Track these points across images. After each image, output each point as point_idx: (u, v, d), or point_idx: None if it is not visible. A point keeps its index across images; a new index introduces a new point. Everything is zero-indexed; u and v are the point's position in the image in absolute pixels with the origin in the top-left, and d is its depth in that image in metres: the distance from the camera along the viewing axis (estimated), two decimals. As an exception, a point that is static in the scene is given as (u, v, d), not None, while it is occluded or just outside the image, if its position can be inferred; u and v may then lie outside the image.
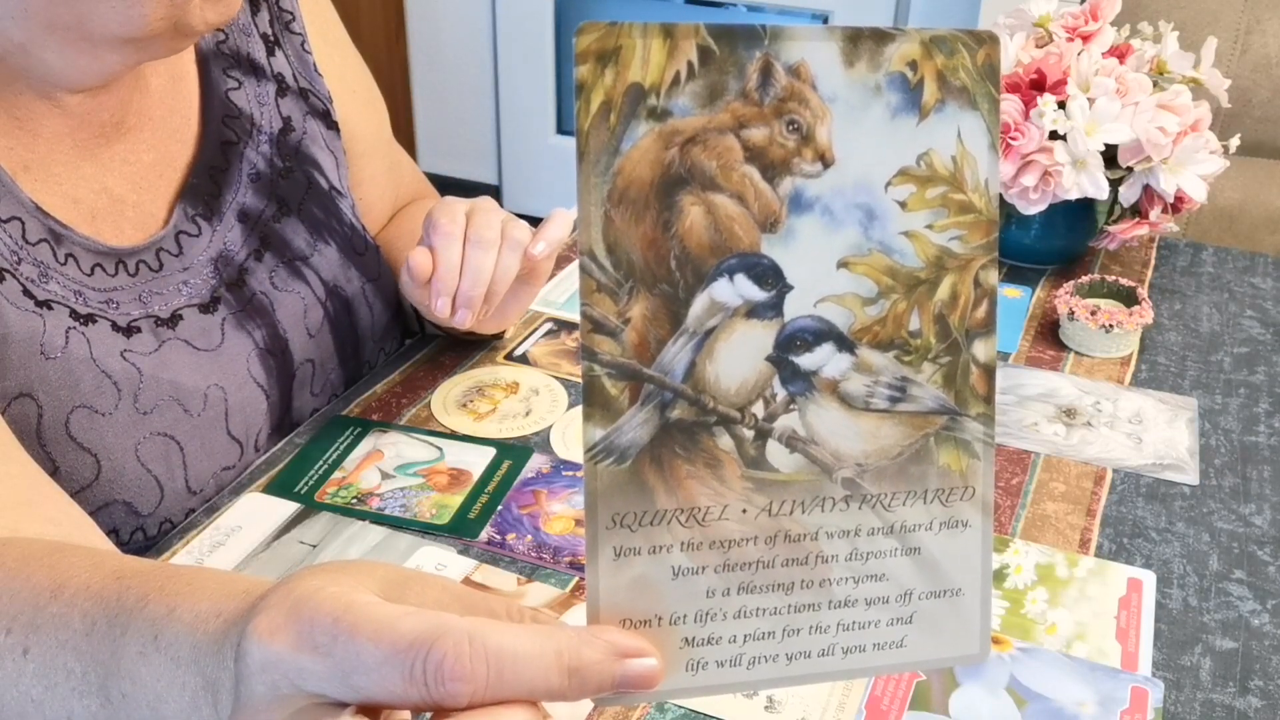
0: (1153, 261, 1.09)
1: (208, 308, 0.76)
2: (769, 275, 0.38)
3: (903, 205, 0.38)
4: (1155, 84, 0.98)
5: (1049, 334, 0.96)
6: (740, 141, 0.38)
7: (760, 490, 0.39)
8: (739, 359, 0.38)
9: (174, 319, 0.74)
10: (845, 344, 0.39)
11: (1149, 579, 0.70)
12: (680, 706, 0.60)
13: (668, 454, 0.38)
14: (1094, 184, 0.94)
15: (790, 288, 0.38)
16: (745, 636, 0.39)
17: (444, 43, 2.76)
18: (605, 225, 0.37)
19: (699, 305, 0.38)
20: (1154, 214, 0.98)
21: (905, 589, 0.40)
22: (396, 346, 0.92)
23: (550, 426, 0.82)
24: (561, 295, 0.99)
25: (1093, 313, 0.92)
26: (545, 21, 2.62)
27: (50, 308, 0.68)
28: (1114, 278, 0.97)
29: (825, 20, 2.29)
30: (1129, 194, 0.97)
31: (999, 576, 0.70)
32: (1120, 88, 0.94)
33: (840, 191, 0.38)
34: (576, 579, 0.69)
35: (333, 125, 0.86)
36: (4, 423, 0.63)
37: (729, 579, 0.39)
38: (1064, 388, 0.88)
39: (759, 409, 0.39)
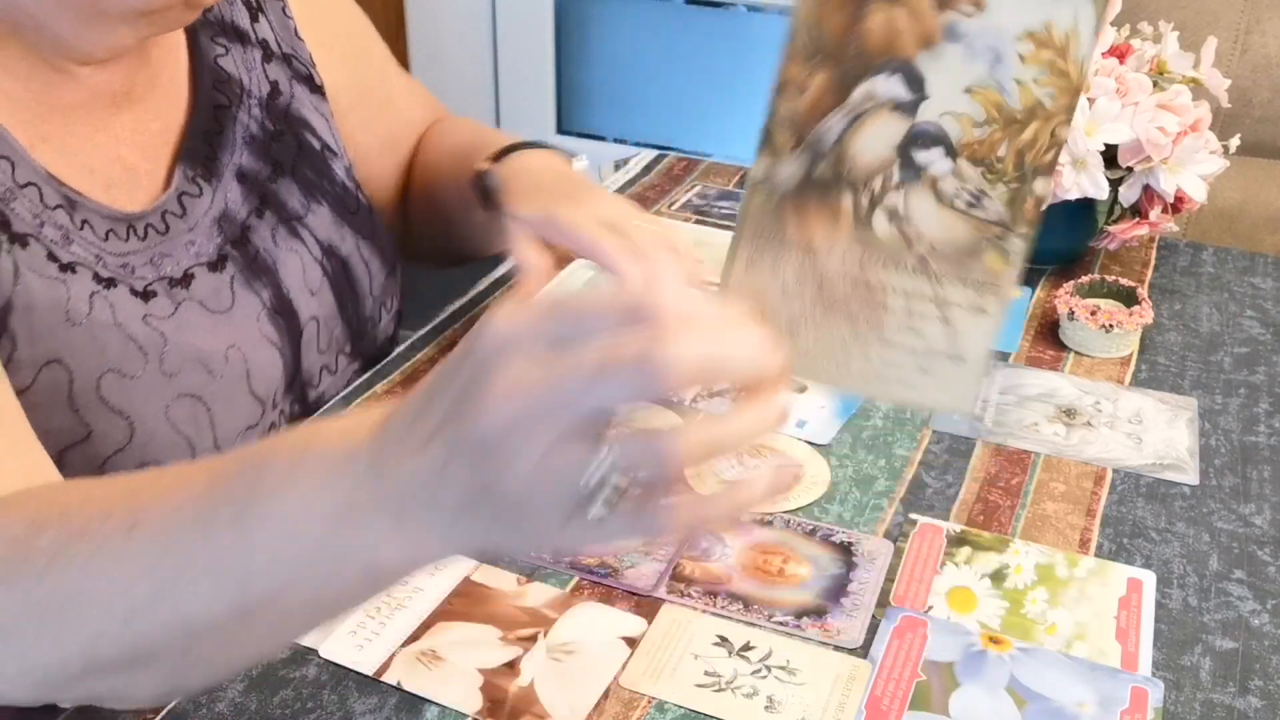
0: (1153, 261, 1.09)
1: (216, 266, 0.77)
2: (916, 82, 0.48)
3: (1021, 58, 0.48)
4: (1155, 84, 0.98)
5: (1049, 334, 0.96)
6: None
7: (859, 245, 0.49)
8: (875, 141, 0.49)
9: (186, 279, 0.75)
10: (951, 152, 0.49)
11: (1149, 579, 0.70)
12: (680, 706, 0.60)
13: (804, 200, 0.50)
14: (1094, 184, 0.94)
15: (927, 97, 0.48)
16: (814, 351, 0.50)
17: (444, 43, 2.75)
18: (818, 6, 0.48)
19: (860, 91, 0.48)
20: (1154, 214, 0.98)
21: (931, 347, 0.49)
22: (396, 304, 0.93)
23: (550, 426, 0.82)
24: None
25: (1093, 313, 0.92)
26: (545, 21, 2.62)
27: (74, 271, 0.69)
28: (1114, 278, 0.97)
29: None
30: (1129, 194, 0.97)
31: (999, 577, 0.70)
32: (1120, 88, 0.94)
33: (982, 32, 0.48)
34: (576, 579, 0.69)
35: (317, 89, 0.87)
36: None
37: (817, 305, 0.50)
38: (1064, 388, 0.88)
39: (877, 184, 0.49)
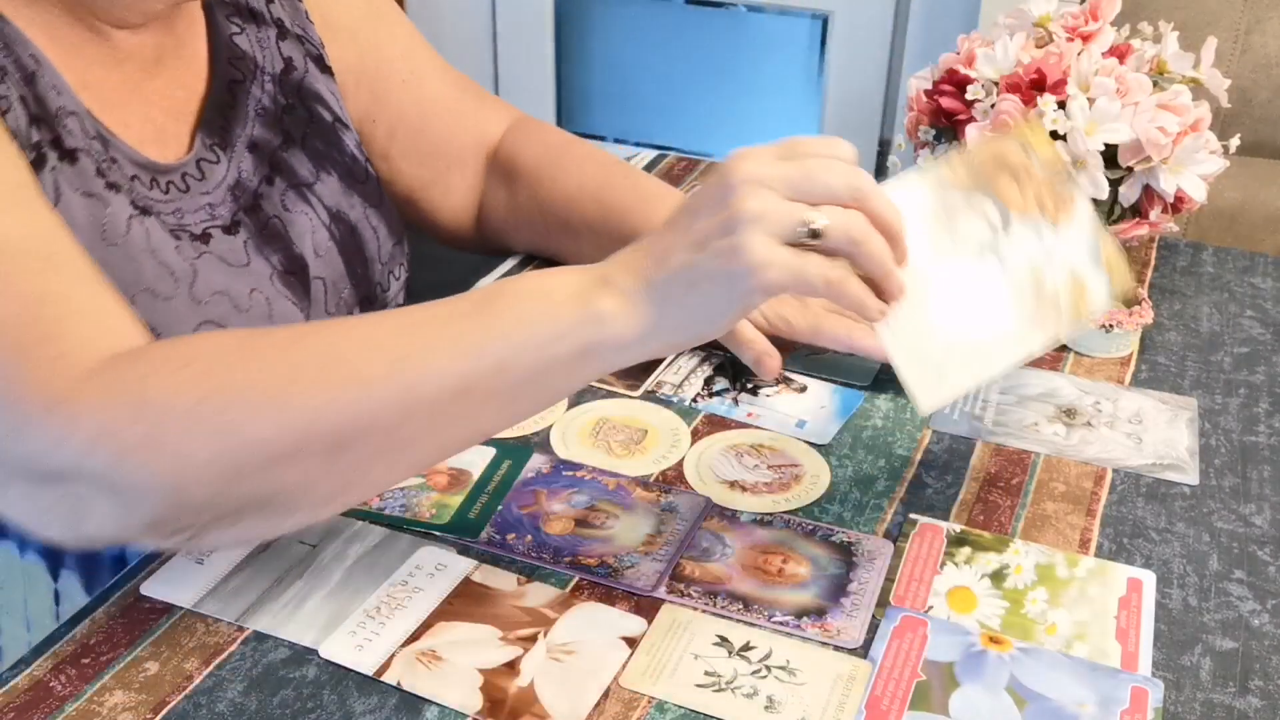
0: (1153, 261, 1.09)
1: (230, 229, 0.80)
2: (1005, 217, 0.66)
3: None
4: (1155, 84, 0.98)
5: (1049, 334, 0.96)
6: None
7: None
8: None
9: (205, 236, 0.78)
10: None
11: (1149, 579, 0.70)
12: (680, 706, 0.60)
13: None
14: (1094, 184, 0.94)
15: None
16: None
17: (444, 43, 2.75)
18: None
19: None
20: (1154, 214, 0.98)
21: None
22: (405, 273, 0.95)
23: (550, 426, 0.82)
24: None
25: (1093, 313, 0.92)
26: (545, 21, 2.62)
27: (117, 191, 0.73)
28: (1114, 278, 0.97)
29: (825, 20, 2.29)
30: (1129, 194, 0.97)
31: (999, 577, 0.70)
32: (1120, 88, 0.94)
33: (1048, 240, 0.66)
34: (576, 579, 0.69)
35: (326, 69, 0.91)
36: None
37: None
38: (1064, 388, 0.88)
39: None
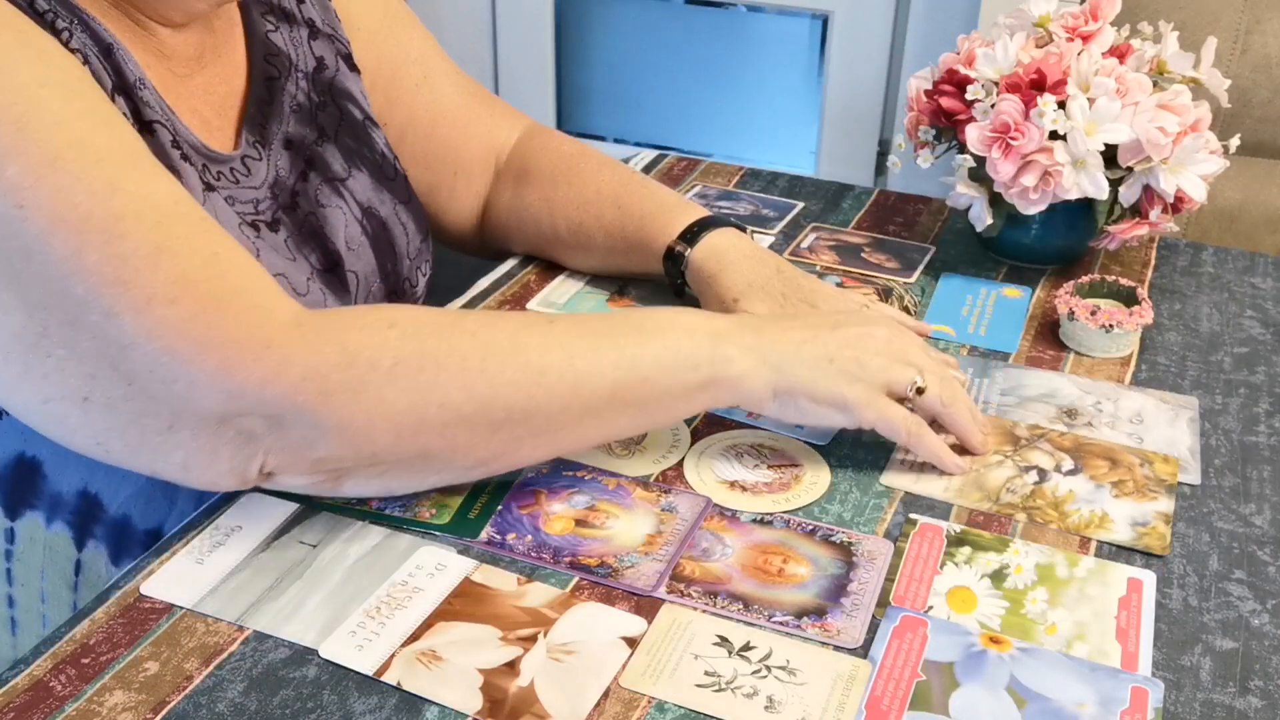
0: (1153, 261, 1.09)
1: (273, 226, 0.81)
2: None
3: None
4: (1155, 84, 0.98)
5: (1049, 334, 0.96)
6: None
7: None
8: None
9: (255, 226, 0.79)
10: None
11: (1149, 579, 0.70)
12: (680, 706, 0.60)
13: None
14: (1094, 184, 0.94)
15: None
16: None
17: (444, 43, 2.75)
18: None
19: None
20: (1154, 214, 0.98)
21: None
22: (429, 269, 0.96)
23: (550, 426, 0.82)
24: (562, 296, 0.99)
25: (1093, 313, 0.92)
26: (545, 21, 2.62)
27: (190, 162, 0.75)
28: (1114, 278, 0.97)
29: (825, 20, 2.29)
30: (1129, 194, 0.97)
31: (999, 577, 0.70)
32: (1120, 88, 0.94)
33: None
34: (576, 579, 0.69)
35: (354, 68, 0.92)
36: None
37: None
38: (1064, 388, 0.88)
39: None
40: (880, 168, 2.31)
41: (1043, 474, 0.78)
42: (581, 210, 0.97)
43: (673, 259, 0.92)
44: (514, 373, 0.68)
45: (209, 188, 0.76)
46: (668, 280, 0.94)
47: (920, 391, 0.75)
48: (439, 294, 0.98)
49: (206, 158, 0.78)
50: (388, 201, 0.91)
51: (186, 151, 0.75)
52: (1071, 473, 0.78)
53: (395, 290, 0.91)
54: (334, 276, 0.84)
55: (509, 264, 1.03)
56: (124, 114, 0.71)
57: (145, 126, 0.73)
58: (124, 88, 0.72)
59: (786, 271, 0.89)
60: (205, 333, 0.63)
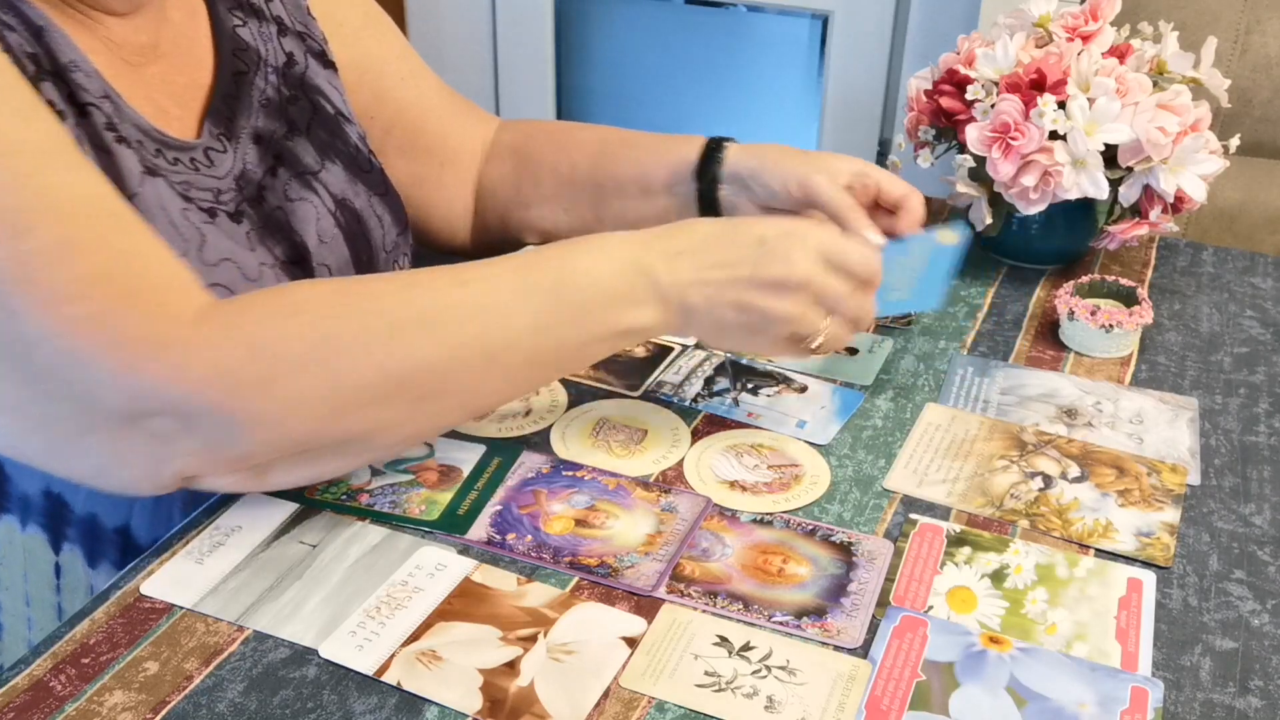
0: (1153, 261, 1.09)
1: (234, 218, 0.79)
2: None
3: None
4: (1155, 84, 0.98)
5: (1049, 334, 0.96)
6: None
7: None
8: None
9: (212, 213, 0.78)
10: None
11: (1149, 579, 0.70)
12: (680, 706, 0.60)
13: None
14: (1094, 184, 0.94)
15: None
16: None
17: (444, 43, 2.75)
18: None
19: None
20: (1154, 214, 0.98)
21: None
22: (408, 263, 0.95)
23: (550, 426, 0.82)
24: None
25: (1093, 313, 0.92)
26: (545, 21, 2.62)
27: (128, 146, 0.73)
28: (1114, 278, 0.97)
29: (825, 20, 2.29)
30: (1129, 194, 0.97)
31: (999, 577, 0.69)
32: (1120, 88, 0.94)
33: None
34: (576, 579, 0.69)
35: (329, 64, 0.91)
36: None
37: None
38: (1065, 388, 0.88)
39: None
40: (880, 168, 2.31)
41: (1048, 480, 0.78)
42: (595, 143, 0.98)
43: (710, 157, 0.92)
44: (429, 348, 0.67)
45: (151, 172, 0.74)
46: (696, 182, 0.93)
47: (817, 349, 0.77)
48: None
49: (161, 143, 0.76)
50: (362, 194, 0.90)
51: (127, 133, 0.73)
52: (1077, 480, 0.78)
53: None
54: (300, 269, 0.83)
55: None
56: (53, 99, 0.69)
57: (80, 109, 0.71)
58: (56, 70, 0.70)
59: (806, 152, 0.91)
60: (108, 332, 0.62)
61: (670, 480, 0.77)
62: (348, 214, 0.88)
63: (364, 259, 0.89)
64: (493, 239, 1.05)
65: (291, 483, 0.70)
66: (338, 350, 0.65)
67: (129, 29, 0.77)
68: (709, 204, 0.93)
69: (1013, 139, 0.94)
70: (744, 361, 0.90)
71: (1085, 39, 1.00)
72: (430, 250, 1.05)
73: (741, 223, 0.76)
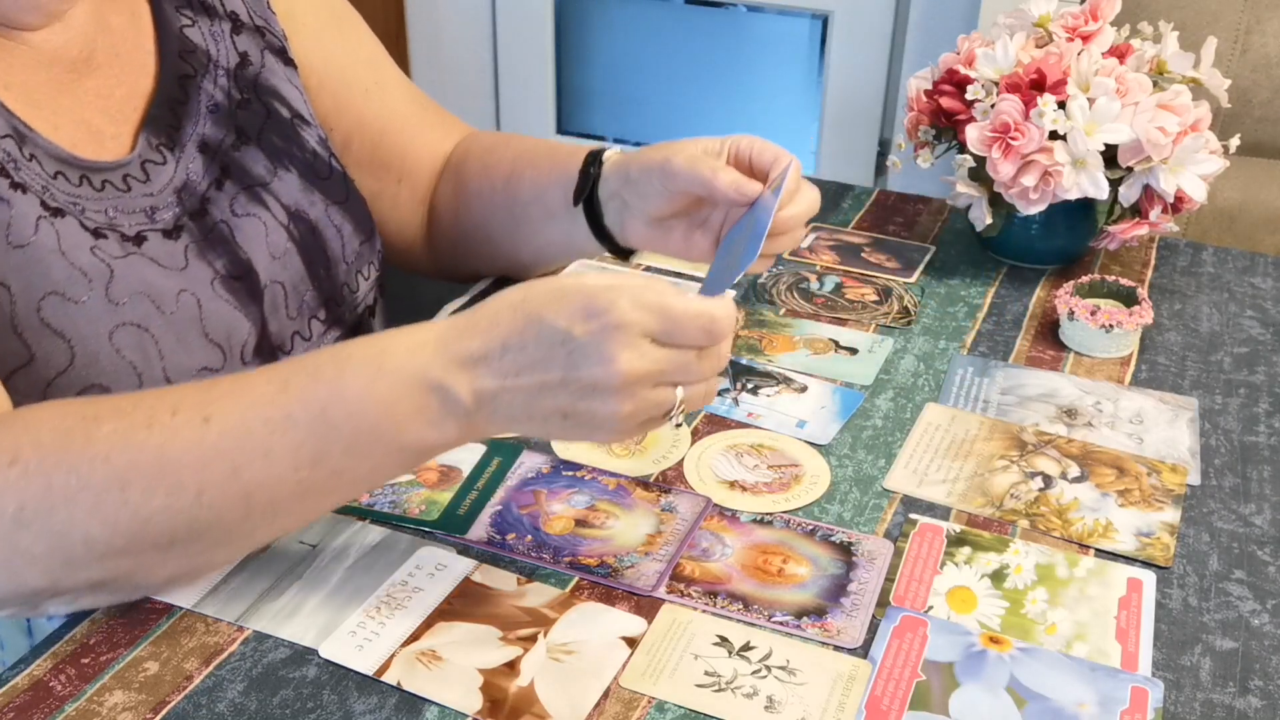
0: (1153, 261, 1.09)
1: (171, 234, 0.77)
2: None
3: None
4: (1155, 84, 0.98)
5: (1049, 334, 0.96)
6: None
7: None
8: None
9: (139, 239, 0.75)
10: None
11: (1149, 579, 0.70)
12: (680, 706, 0.60)
13: None
14: (1094, 184, 0.94)
15: None
16: None
17: (444, 43, 2.75)
18: None
19: None
20: (1154, 214, 0.98)
21: None
22: (376, 272, 0.91)
23: (550, 426, 0.82)
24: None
25: (1093, 313, 0.92)
26: (545, 21, 2.62)
27: (23, 191, 0.69)
28: (1114, 278, 0.97)
29: (825, 20, 2.29)
30: (1129, 194, 0.97)
31: (999, 577, 0.69)
32: (1120, 88, 0.94)
33: None
34: (576, 579, 0.69)
35: (289, 62, 0.88)
36: None
37: None
38: (1064, 388, 0.88)
39: None
40: (880, 168, 2.31)
41: (1048, 480, 0.78)
42: (509, 163, 0.93)
43: (590, 164, 0.87)
44: (164, 498, 0.60)
45: (57, 213, 0.70)
46: (578, 192, 0.88)
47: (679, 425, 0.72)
48: (396, 308, 0.95)
49: (84, 169, 0.73)
50: (319, 203, 0.86)
51: (25, 177, 0.70)
52: (1077, 480, 0.78)
53: (332, 297, 0.86)
54: (242, 284, 0.79)
55: (484, 283, 1.02)
56: None
57: None
58: None
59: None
60: None
61: (670, 480, 0.77)
62: (302, 226, 0.84)
63: (321, 272, 0.85)
64: (446, 261, 1.01)
65: (70, 610, 0.66)
66: (59, 505, 0.59)
67: (59, 42, 0.74)
68: (600, 229, 0.87)
69: (1013, 139, 0.94)
70: (744, 362, 0.90)
71: (1085, 39, 1.00)
72: (391, 265, 1.01)
73: (547, 310, 0.62)
